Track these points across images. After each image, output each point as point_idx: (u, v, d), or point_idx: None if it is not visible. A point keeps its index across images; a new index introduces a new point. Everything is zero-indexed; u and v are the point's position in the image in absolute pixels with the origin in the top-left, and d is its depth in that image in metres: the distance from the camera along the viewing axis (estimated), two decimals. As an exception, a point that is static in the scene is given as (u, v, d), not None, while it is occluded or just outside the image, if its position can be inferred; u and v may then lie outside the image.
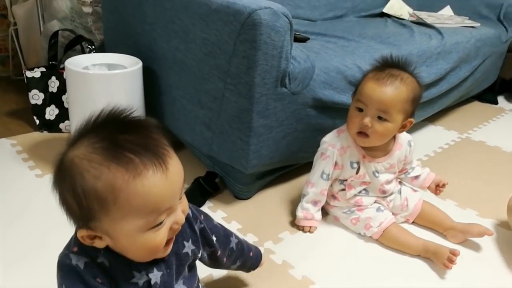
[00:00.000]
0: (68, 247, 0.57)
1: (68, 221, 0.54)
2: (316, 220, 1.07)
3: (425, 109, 1.63)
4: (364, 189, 1.07)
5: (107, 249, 0.55)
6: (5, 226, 1.01)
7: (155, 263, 0.59)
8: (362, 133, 0.98)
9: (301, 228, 1.07)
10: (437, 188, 1.13)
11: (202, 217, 0.70)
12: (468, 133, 1.77)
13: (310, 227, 1.07)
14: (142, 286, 0.58)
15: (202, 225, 0.69)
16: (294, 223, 1.09)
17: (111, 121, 0.52)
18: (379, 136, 0.97)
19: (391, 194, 1.10)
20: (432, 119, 1.82)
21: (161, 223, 0.52)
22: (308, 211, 1.06)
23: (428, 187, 1.14)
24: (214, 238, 0.71)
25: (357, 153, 1.03)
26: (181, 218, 0.55)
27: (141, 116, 0.54)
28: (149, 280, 0.58)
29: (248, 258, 0.82)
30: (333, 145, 1.03)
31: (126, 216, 0.50)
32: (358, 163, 1.03)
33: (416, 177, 1.14)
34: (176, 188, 0.53)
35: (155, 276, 0.59)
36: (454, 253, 0.94)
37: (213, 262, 0.75)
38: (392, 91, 0.93)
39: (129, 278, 0.57)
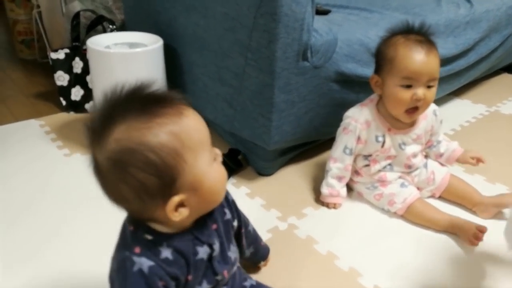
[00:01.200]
0: (126, 246, 0.55)
1: (147, 206, 0.52)
2: (342, 196, 1.06)
3: (451, 82, 1.58)
4: (389, 164, 1.05)
5: (170, 236, 0.56)
6: (39, 205, 1.05)
7: (212, 232, 0.61)
8: (411, 110, 0.95)
9: (326, 205, 1.07)
10: (476, 160, 1.09)
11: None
12: (497, 106, 1.71)
13: (335, 203, 1.07)
14: (206, 260, 0.60)
15: (232, 197, 0.71)
16: (319, 200, 1.08)
17: (119, 100, 0.53)
18: (428, 105, 0.97)
19: (416, 169, 1.08)
20: (458, 92, 1.76)
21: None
22: (334, 187, 1.05)
23: (460, 160, 1.10)
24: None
25: (382, 126, 1.01)
26: (218, 150, 0.59)
27: (139, 83, 0.55)
28: (211, 252, 0.60)
29: (260, 246, 0.83)
30: (355, 119, 1.01)
31: (197, 153, 0.53)
32: (383, 136, 1.01)
33: (441, 154, 1.11)
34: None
35: (217, 246, 0.61)
36: (481, 230, 0.93)
37: (237, 239, 0.75)
38: (434, 58, 0.94)
39: (195, 255, 0.58)
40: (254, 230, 0.80)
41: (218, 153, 0.59)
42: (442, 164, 1.12)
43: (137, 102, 0.52)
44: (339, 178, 1.06)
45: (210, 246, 0.60)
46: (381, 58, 0.98)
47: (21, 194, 1.08)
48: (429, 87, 0.94)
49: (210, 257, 0.61)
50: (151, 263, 0.53)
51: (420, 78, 0.92)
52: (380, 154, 1.03)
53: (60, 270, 0.85)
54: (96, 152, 0.52)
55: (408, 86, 0.93)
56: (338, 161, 1.05)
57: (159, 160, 0.50)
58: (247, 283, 0.74)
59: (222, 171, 0.58)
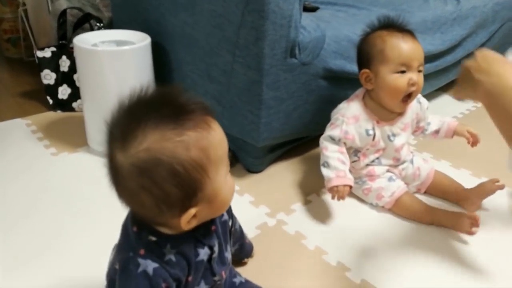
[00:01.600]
0: (130, 248, 0.56)
1: (162, 214, 0.52)
2: (349, 178, 0.98)
3: (439, 78, 1.59)
4: (377, 158, 1.06)
5: (174, 238, 0.56)
6: (27, 205, 1.04)
7: (212, 234, 0.62)
8: (406, 97, 0.98)
9: (335, 191, 0.96)
10: (472, 137, 1.08)
11: None
12: (484, 101, 1.73)
13: (345, 187, 0.96)
14: (206, 261, 0.60)
15: None
16: (327, 189, 1.00)
17: (147, 104, 0.52)
18: (419, 90, 0.98)
19: (403, 162, 1.09)
20: (446, 88, 1.77)
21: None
22: (338, 168, 0.98)
23: (457, 131, 1.10)
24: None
25: (371, 119, 1.02)
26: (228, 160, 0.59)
27: (166, 87, 0.55)
28: (211, 254, 0.61)
29: (245, 243, 0.83)
30: (342, 114, 1.02)
31: (218, 168, 0.54)
32: (373, 129, 1.02)
33: (437, 131, 1.12)
34: None
35: (216, 248, 0.62)
36: (473, 217, 0.95)
37: None
38: (418, 44, 0.98)
39: (196, 257, 0.59)
40: (240, 227, 0.80)
41: (228, 162, 0.59)
42: (426, 160, 1.13)
43: (170, 109, 0.51)
44: (340, 161, 0.99)
45: (211, 248, 0.61)
46: (369, 51, 0.99)
47: (8, 194, 1.07)
48: (419, 71, 0.98)
49: (210, 259, 0.61)
50: (155, 265, 0.54)
51: (413, 63, 0.96)
52: (370, 147, 1.04)
53: (53, 274, 0.85)
54: (118, 153, 0.51)
55: (403, 72, 0.96)
56: (329, 148, 1.02)
57: (185, 173, 0.50)
58: (236, 280, 0.75)
59: (233, 182, 0.59)
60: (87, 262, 0.86)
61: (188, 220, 0.53)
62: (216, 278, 0.63)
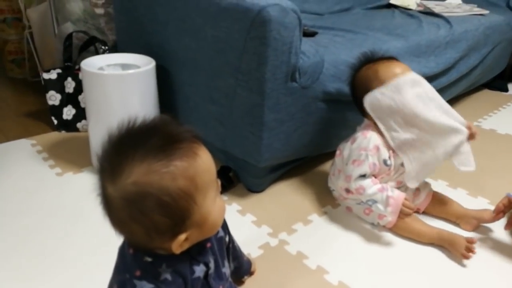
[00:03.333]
0: (126, 269, 0.57)
1: (153, 241, 0.54)
2: (399, 192, 1.00)
3: (435, 99, 1.64)
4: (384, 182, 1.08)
5: (168, 257, 0.57)
6: (32, 225, 1.05)
7: (207, 251, 0.64)
8: None
9: (404, 214, 0.99)
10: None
11: None
12: (478, 121, 1.77)
13: (404, 203, 0.98)
14: (203, 277, 0.62)
15: None
16: (395, 229, 1.04)
17: (134, 135, 0.54)
18: None
19: (404, 185, 1.12)
20: (442, 108, 1.82)
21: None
22: (386, 199, 0.99)
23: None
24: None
25: (386, 148, 1.04)
26: (218, 180, 0.61)
27: (148, 116, 0.58)
28: (207, 270, 0.62)
29: (243, 261, 0.85)
30: (364, 148, 1.02)
31: (205, 194, 0.55)
32: (389, 158, 1.04)
33: None
34: None
35: (212, 264, 0.64)
36: (471, 241, 0.96)
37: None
38: (405, 65, 1.06)
39: (192, 274, 0.60)
40: (238, 246, 0.83)
41: (219, 183, 0.60)
42: (425, 183, 1.16)
43: (154, 139, 0.53)
44: (381, 190, 1.00)
45: (206, 265, 0.63)
46: (364, 82, 1.05)
47: (14, 214, 1.08)
48: None
49: (206, 275, 0.63)
50: (150, 285, 0.56)
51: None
52: (385, 176, 1.06)
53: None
54: (108, 186, 0.53)
55: None
56: (365, 186, 1.01)
57: (173, 203, 0.52)
58: None
59: (222, 204, 0.60)
60: (91, 283, 0.87)
61: (179, 245, 0.55)
62: None
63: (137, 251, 0.58)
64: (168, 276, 0.57)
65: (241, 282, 0.88)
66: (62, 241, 0.99)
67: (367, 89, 1.04)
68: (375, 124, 1.05)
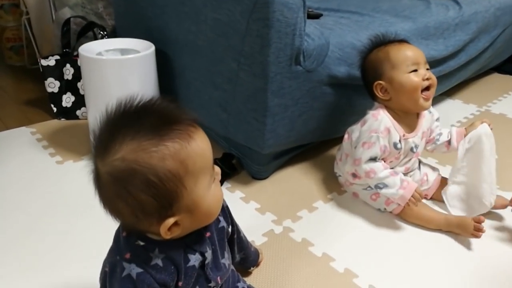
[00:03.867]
0: (118, 252, 0.56)
1: (140, 222, 0.53)
2: (412, 182, 0.99)
3: (443, 83, 1.60)
4: (392, 168, 1.05)
5: (162, 242, 0.56)
6: (32, 214, 1.04)
7: (204, 241, 0.61)
8: (425, 93, 0.99)
9: (412, 202, 0.97)
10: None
11: None
12: (487, 106, 1.73)
13: (417, 194, 0.96)
14: (198, 266, 0.60)
15: (226, 204, 0.71)
16: (402, 215, 1.02)
17: (130, 112, 0.53)
18: (435, 84, 1.01)
19: (412, 170, 1.09)
20: (449, 92, 1.78)
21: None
22: (398, 183, 0.97)
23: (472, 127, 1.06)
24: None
25: (398, 132, 1.02)
26: (218, 168, 0.59)
27: (147, 96, 0.55)
28: (203, 260, 0.60)
29: (250, 252, 0.82)
30: (375, 130, 1.00)
31: (198, 179, 0.53)
32: (400, 142, 1.02)
33: (449, 141, 1.11)
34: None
35: (209, 254, 0.61)
36: (478, 221, 0.94)
37: (229, 245, 0.74)
38: (417, 48, 1.03)
39: (186, 262, 0.59)
40: (244, 236, 0.80)
41: (218, 171, 0.58)
42: (433, 168, 1.13)
43: (149, 119, 0.51)
44: (393, 174, 0.99)
45: (202, 254, 0.60)
46: (376, 65, 1.02)
47: (14, 201, 1.07)
48: (428, 69, 1.01)
49: (203, 265, 0.61)
50: (139, 269, 0.54)
51: (419, 60, 1.00)
52: (394, 160, 1.04)
53: (57, 279, 0.85)
54: (98, 163, 0.52)
55: (415, 71, 0.99)
56: (376, 170, 0.99)
57: (160, 184, 0.50)
58: (239, 285, 0.74)
59: (218, 192, 0.58)
60: (95, 270, 0.86)
61: (166, 229, 0.53)
62: (212, 284, 0.63)
63: (130, 235, 0.57)
64: (159, 262, 0.56)
65: (249, 273, 0.86)
66: (63, 229, 0.98)
67: (378, 71, 1.02)
68: (386, 107, 1.03)
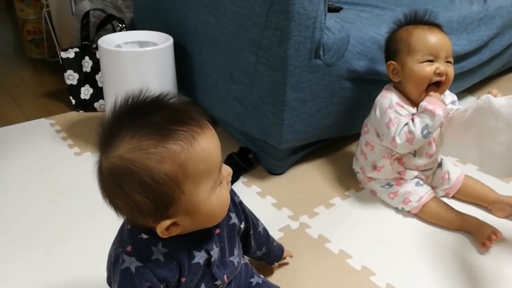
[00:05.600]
0: (120, 243, 0.56)
1: (136, 223, 0.53)
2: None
3: (465, 80, 1.56)
4: (413, 154, 1.02)
5: (167, 237, 0.55)
6: (50, 204, 1.05)
7: (212, 238, 0.60)
8: (431, 87, 0.96)
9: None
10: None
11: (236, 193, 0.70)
12: (510, 103, 1.68)
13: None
14: (203, 265, 0.59)
15: (239, 199, 0.70)
16: (421, 214, 1.00)
17: (135, 109, 0.52)
18: (450, 81, 0.98)
19: (430, 168, 1.06)
20: (471, 90, 1.73)
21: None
22: (429, 110, 0.92)
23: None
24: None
25: (411, 107, 0.99)
26: (229, 169, 0.57)
27: (156, 92, 0.54)
28: (209, 258, 0.59)
29: (272, 247, 0.80)
30: (389, 106, 0.96)
31: (199, 183, 0.51)
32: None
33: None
34: (219, 143, 0.54)
35: (215, 252, 0.60)
36: (495, 233, 0.91)
37: (244, 241, 0.73)
38: (446, 36, 0.99)
39: (190, 259, 0.58)
40: (265, 231, 0.78)
41: (228, 173, 0.56)
42: (456, 165, 1.10)
43: (153, 117, 0.50)
44: (415, 116, 0.95)
45: (208, 252, 0.59)
46: (396, 44, 1.00)
47: (34, 193, 1.08)
48: (447, 63, 0.97)
49: (209, 262, 0.60)
50: (138, 263, 0.54)
51: (439, 53, 0.95)
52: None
53: (73, 271, 0.85)
54: (101, 157, 0.52)
55: (430, 61, 0.96)
56: (411, 129, 0.92)
57: (156, 187, 0.49)
58: (253, 280, 0.73)
59: (223, 197, 0.55)
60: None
61: (163, 229, 0.52)
62: (218, 282, 0.62)
63: (134, 228, 0.56)
64: (160, 257, 0.55)
65: (270, 269, 0.84)
66: (81, 219, 0.99)
67: (396, 52, 1.00)
68: (394, 87, 1.02)
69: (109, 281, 0.59)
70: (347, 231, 0.98)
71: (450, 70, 0.97)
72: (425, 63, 0.95)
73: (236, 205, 0.68)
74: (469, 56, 1.44)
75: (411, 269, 0.88)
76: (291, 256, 0.86)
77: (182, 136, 0.49)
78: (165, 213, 0.51)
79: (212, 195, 0.53)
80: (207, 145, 0.51)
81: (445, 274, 0.87)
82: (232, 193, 0.67)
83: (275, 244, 0.81)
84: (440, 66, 0.95)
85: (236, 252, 0.66)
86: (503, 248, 0.94)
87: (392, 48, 1.01)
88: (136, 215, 0.52)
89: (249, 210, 0.73)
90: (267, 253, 0.80)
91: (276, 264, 0.84)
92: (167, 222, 0.51)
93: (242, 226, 0.70)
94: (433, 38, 0.96)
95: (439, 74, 0.95)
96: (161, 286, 0.55)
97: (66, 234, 0.95)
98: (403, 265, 0.89)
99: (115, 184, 0.50)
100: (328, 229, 0.98)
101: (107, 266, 0.59)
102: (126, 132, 0.49)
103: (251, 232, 0.73)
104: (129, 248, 0.55)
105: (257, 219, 0.76)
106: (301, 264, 0.88)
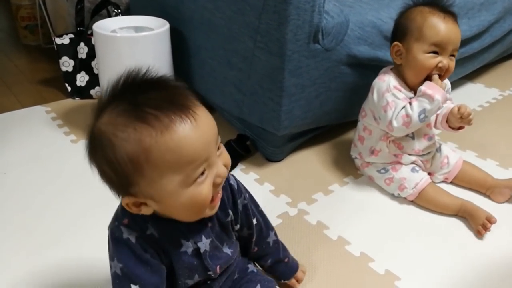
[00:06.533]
0: (118, 218, 0.57)
1: (112, 192, 0.54)
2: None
3: (465, 66, 1.54)
4: (411, 137, 1.02)
5: (155, 218, 0.55)
6: (46, 191, 1.04)
7: (203, 230, 0.59)
8: (428, 78, 0.95)
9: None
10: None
11: (247, 196, 0.68)
12: (510, 90, 1.67)
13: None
14: (192, 254, 0.59)
15: (246, 202, 0.67)
16: (417, 201, 1.00)
17: (130, 84, 0.51)
18: (449, 74, 0.97)
19: (429, 153, 1.06)
20: (471, 76, 1.72)
21: (202, 174, 0.51)
22: (428, 95, 0.92)
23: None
24: (254, 222, 0.69)
25: (409, 92, 0.98)
26: (223, 171, 0.53)
27: (161, 73, 0.53)
28: (198, 248, 0.59)
29: (281, 262, 0.75)
30: (387, 89, 0.96)
31: (164, 174, 0.49)
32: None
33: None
34: (207, 138, 0.51)
35: (204, 244, 0.59)
36: (490, 220, 0.91)
37: (243, 245, 0.71)
38: (458, 28, 0.96)
39: (177, 247, 0.57)
40: (276, 244, 0.73)
41: (220, 173, 0.53)
42: (454, 150, 1.10)
43: (138, 96, 0.49)
44: (413, 100, 0.95)
45: (195, 243, 0.58)
46: (407, 26, 0.97)
47: (30, 180, 1.07)
48: (451, 56, 0.96)
49: (199, 253, 0.59)
50: (136, 234, 0.55)
51: (447, 46, 0.94)
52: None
53: (70, 257, 0.85)
54: (94, 120, 0.53)
55: (435, 53, 0.94)
56: (408, 112, 0.92)
57: (117, 163, 0.49)
58: (250, 266, 0.72)
59: (199, 195, 0.51)
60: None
61: (125, 203, 0.53)
62: (210, 272, 0.61)
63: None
64: (154, 233, 0.56)
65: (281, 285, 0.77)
66: (77, 206, 0.98)
67: (405, 33, 0.97)
68: (392, 70, 1.01)
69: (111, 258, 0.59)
70: (345, 218, 0.98)
71: (452, 64, 0.96)
72: (430, 55, 0.94)
73: (237, 207, 0.65)
74: (469, 41, 1.43)
75: (410, 255, 0.88)
76: (303, 272, 0.80)
77: (156, 121, 0.48)
78: (127, 191, 0.52)
79: (182, 190, 0.50)
80: (182, 136, 0.48)
81: (443, 259, 0.87)
82: (237, 193, 0.64)
83: (286, 260, 0.76)
84: (444, 60, 0.94)
85: (231, 244, 0.65)
86: (500, 232, 0.93)
87: (403, 27, 0.98)
88: (108, 185, 0.53)
89: (261, 219, 0.70)
90: (272, 267, 0.75)
91: (283, 281, 0.77)
92: (131, 199, 0.52)
93: (246, 231, 0.69)
94: (445, 30, 0.93)
95: (441, 69, 0.94)
96: (158, 259, 0.56)
97: (63, 220, 0.94)
98: (402, 251, 0.89)
99: (91, 152, 0.52)
100: (326, 215, 0.98)
101: (108, 242, 0.59)
102: (111, 104, 0.50)
103: (254, 239, 0.70)
104: (126, 221, 0.56)
105: (268, 229, 0.72)
106: (299, 250, 0.87)
